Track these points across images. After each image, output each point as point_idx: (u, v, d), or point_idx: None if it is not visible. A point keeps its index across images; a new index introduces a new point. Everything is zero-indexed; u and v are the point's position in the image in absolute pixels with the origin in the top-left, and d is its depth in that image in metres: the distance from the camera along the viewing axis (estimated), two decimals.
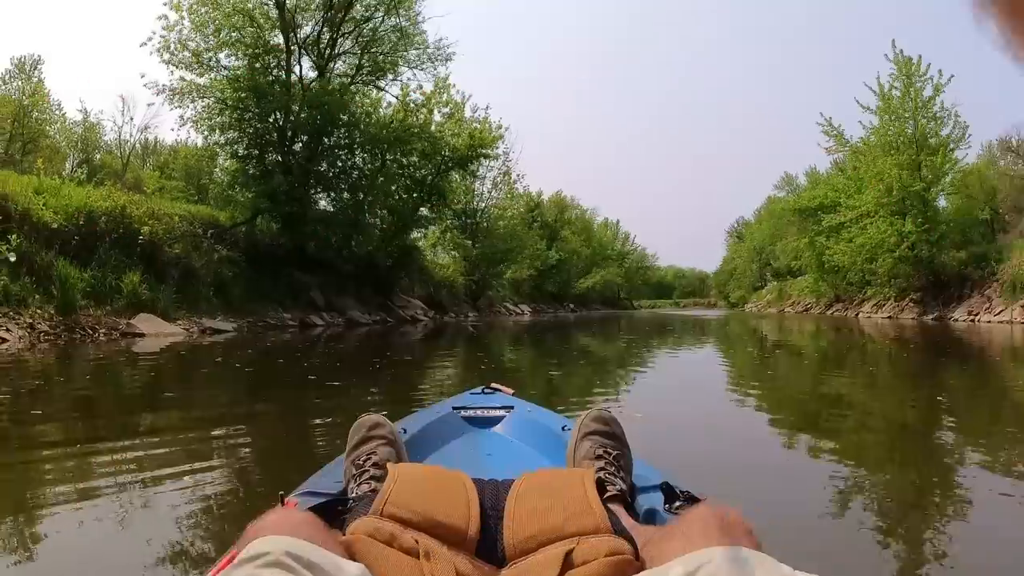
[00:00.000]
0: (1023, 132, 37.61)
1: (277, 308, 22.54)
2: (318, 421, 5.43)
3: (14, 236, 14.81)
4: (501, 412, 2.72)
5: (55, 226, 16.38)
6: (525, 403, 2.84)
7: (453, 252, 41.71)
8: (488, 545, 1.25)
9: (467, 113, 31.84)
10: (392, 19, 28.60)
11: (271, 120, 26.23)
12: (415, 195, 31.11)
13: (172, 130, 38.78)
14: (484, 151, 32.09)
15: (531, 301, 53.10)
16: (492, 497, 1.35)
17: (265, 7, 26.64)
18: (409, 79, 30.01)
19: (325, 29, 27.96)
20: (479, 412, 2.73)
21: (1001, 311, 25.06)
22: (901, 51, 30.27)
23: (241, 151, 26.70)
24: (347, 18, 28.00)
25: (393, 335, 19.96)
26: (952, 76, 29.37)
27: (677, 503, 1.61)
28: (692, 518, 1.11)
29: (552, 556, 1.15)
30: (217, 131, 25.94)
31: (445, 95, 30.70)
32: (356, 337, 18.54)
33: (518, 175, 48.01)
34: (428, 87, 30.17)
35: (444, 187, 32.20)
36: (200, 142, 28.05)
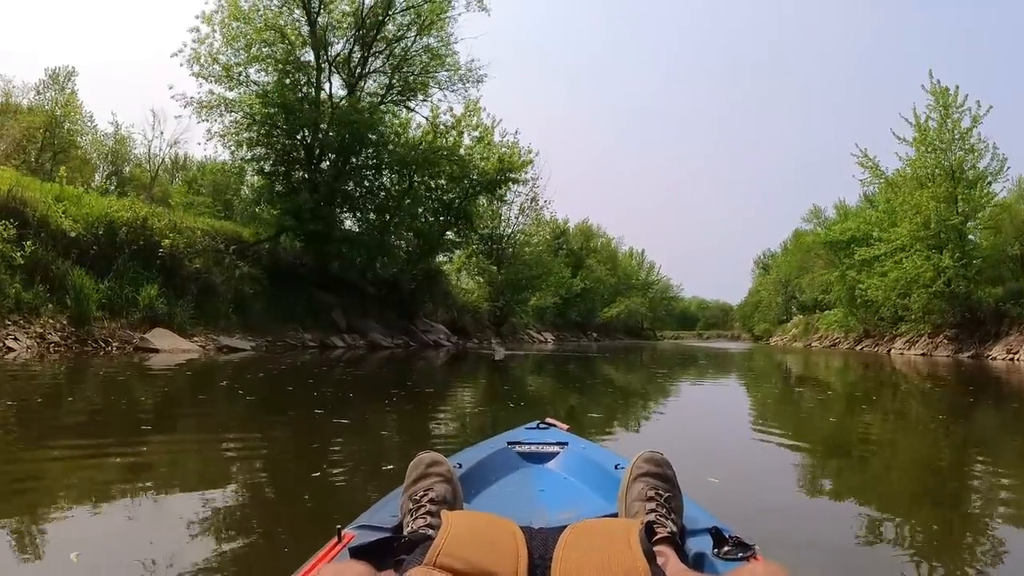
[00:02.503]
0: None
1: (297, 328, 22.08)
2: (310, 473, 4.32)
3: (29, 242, 14.43)
4: (555, 448, 2.72)
5: (73, 234, 16.05)
6: (579, 440, 2.83)
7: (478, 277, 41.32)
8: None
9: (496, 137, 31.37)
10: (424, 39, 28.30)
11: (299, 137, 25.93)
12: (442, 218, 30.73)
13: (199, 144, 38.66)
14: (513, 176, 31.59)
15: (554, 329, 52.65)
16: (541, 547, 1.38)
17: (297, 24, 26.41)
18: (440, 100, 29.67)
19: (356, 48, 27.65)
20: (533, 448, 2.73)
21: None
22: (938, 81, 29.29)
23: (267, 167, 26.42)
24: (379, 37, 27.67)
25: (415, 361, 19.28)
26: (991, 107, 28.33)
27: (726, 548, 1.62)
28: None
29: None
30: (244, 146, 25.64)
31: (475, 118, 30.22)
32: (376, 362, 17.90)
33: (545, 201, 47.58)
34: (458, 109, 29.78)
35: (471, 211, 31.75)
36: (227, 157, 27.73)
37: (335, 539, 1.67)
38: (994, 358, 25.79)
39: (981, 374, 18.13)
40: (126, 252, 17.19)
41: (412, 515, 1.73)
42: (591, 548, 1.34)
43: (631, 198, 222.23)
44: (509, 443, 2.75)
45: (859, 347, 41.66)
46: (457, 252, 36.05)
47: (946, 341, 30.63)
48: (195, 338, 17.17)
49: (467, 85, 29.26)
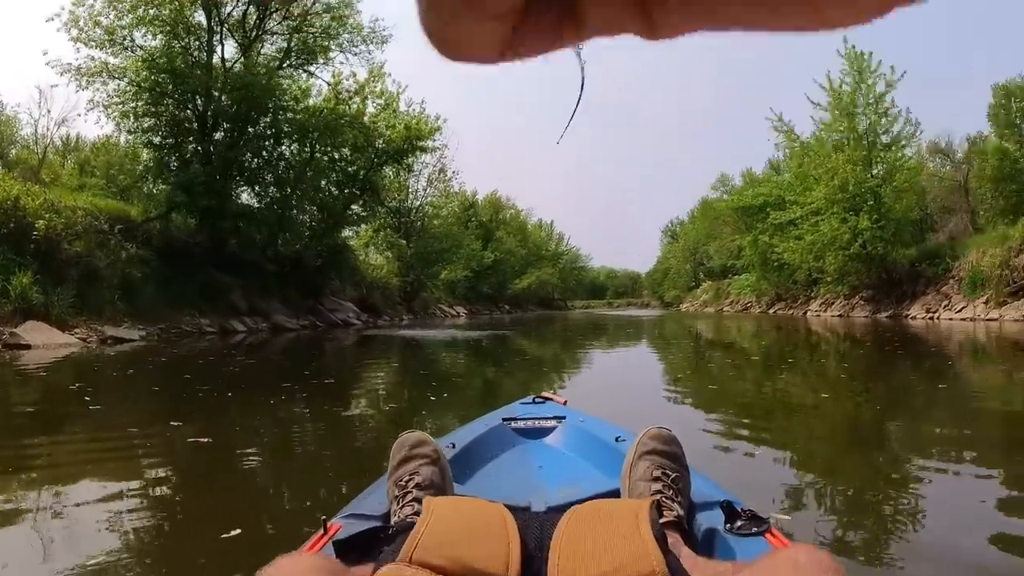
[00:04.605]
0: (952, 135, 38.41)
1: (193, 313, 20.31)
2: (98, 548, 2.78)
3: None
4: (552, 422, 2.65)
5: None
6: (577, 412, 2.77)
7: (387, 252, 39.98)
8: None
9: (402, 106, 30.32)
10: None
11: (190, 106, 24.03)
12: (347, 190, 29.52)
13: (79, 115, 36.01)
14: (421, 144, 30.46)
15: (466, 302, 51.82)
16: (536, 534, 1.27)
17: None
18: (341, 63, 28.20)
19: (251, 8, 25.78)
20: (529, 423, 2.65)
21: (963, 308, 24.74)
22: (853, 47, 29.79)
23: (156, 140, 24.38)
24: None
25: (321, 343, 18.30)
26: (905, 72, 29.15)
27: (739, 522, 1.55)
28: (767, 563, 1.05)
29: None
30: (131, 117, 23.58)
31: (379, 84, 29.00)
32: (279, 346, 16.68)
33: (453, 172, 46.53)
34: (362, 74, 28.34)
35: (377, 182, 30.63)
36: (112, 130, 25.61)
37: (320, 531, 1.55)
38: (913, 317, 26.68)
39: (912, 333, 18.71)
40: None
41: (399, 502, 1.63)
42: (594, 534, 1.21)
43: (541, 175, 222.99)
44: (504, 419, 2.67)
45: (772, 310, 42.34)
46: (364, 226, 34.94)
47: (863, 302, 31.67)
48: (76, 330, 15.40)
49: (371, 47, 27.82)
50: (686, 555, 1.36)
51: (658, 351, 16.13)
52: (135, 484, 3.91)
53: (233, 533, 2.93)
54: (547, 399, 3.02)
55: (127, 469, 4.27)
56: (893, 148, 29.68)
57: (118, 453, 4.80)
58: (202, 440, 5.13)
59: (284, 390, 8.33)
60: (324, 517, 1.61)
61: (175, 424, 5.72)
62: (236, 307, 22.31)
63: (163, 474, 4.21)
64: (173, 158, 24.22)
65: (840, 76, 30.32)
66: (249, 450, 4.99)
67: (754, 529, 1.53)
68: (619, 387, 9.24)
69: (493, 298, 59.71)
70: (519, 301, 66.35)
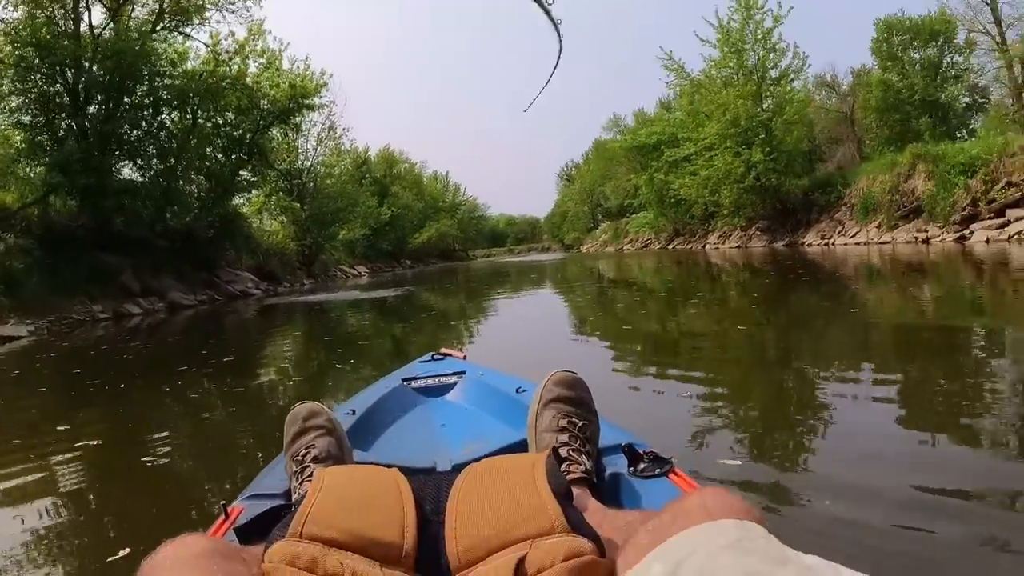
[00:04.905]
0: (837, 68, 39.79)
1: (84, 300, 19.22)
2: None
3: None
4: (452, 379, 2.64)
5: None
6: (477, 367, 2.74)
7: (281, 217, 38.90)
8: (430, 557, 1.09)
9: (285, 64, 29.38)
10: None
11: (59, 80, 22.56)
12: (234, 156, 28.51)
13: None
14: (307, 102, 29.72)
15: (367, 261, 51.16)
16: (433, 498, 1.20)
17: None
18: (219, 22, 27.02)
19: None
20: (430, 381, 2.64)
21: (856, 233, 25.37)
22: None
23: (26, 119, 22.79)
24: None
25: (221, 317, 17.78)
26: (792, 8, 29.97)
27: (642, 465, 1.55)
28: (676, 509, 0.99)
29: (501, 566, 1.01)
30: None
31: (260, 42, 27.93)
32: (177, 326, 16.14)
33: (343, 129, 45.38)
34: (241, 32, 27.23)
35: (265, 145, 29.81)
36: None
37: (221, 517, 1.49)
38: (809, 244, 27.59)
39: (810, 259, 19.31)
40: None
41: (298, 478, 1.59)
42: (490, 492, 1.16)
43: (443, 135, 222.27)
44: (404, 380, 2.65)
45: (671, 246, 43.14)
46: (255, 192, 33.94)
47: (759, 232, 32.72)
48: None
49: (248, 3, 26.67)
50: (593, 508, 1.33)
51: (563, 294, 16.28)
52: (6, 507, 3.45)
53: (122, 553, 2.58)
54: (446, 355, 3.00)
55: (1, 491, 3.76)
56: (782, 82, 30.56)
57: None
58: (92, 443, 4.71)
59: (181, 374, 7.87)
60: (224, 502, 1.54)
61: (61, 428, 5.26)
62: (128, 289, 21.25)
63: (43, 490, 3.70)
64: (45, 137, 22.78)
65: (728, 13, 31.03)
66: (144, 448, 4.52)
67: (657, 470, 1.53)
68: (525, 335, 9.31)
69: (394, 254, 59.10)
70: (420, 255, 65.96)
